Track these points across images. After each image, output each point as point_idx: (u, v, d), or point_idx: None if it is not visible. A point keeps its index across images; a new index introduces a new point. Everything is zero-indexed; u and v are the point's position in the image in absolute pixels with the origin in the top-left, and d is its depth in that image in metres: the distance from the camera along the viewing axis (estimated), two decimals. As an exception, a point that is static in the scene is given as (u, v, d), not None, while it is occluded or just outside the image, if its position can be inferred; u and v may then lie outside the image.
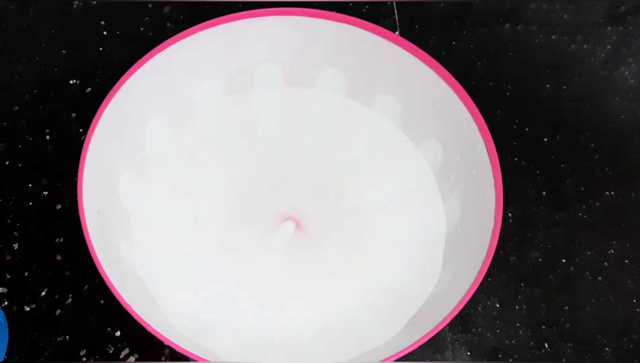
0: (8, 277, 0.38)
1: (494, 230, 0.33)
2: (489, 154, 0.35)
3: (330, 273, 0.38)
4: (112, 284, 0.31)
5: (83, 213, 0.32)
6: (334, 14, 0.38)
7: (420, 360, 0.38)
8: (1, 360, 0.35)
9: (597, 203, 0.43)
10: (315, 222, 0.40)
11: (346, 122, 0.42)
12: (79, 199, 0.32)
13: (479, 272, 0.32)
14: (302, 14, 0.38)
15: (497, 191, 0.34)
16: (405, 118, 0.40)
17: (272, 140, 0.42)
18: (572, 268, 0.41)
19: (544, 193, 0.43)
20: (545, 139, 0.45)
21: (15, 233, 0.39)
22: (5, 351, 0.36)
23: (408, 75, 0.38)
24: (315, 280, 0.38)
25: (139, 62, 0.36)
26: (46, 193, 0.41)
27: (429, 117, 0.39)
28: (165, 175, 0.39)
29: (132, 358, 0.37)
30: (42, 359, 0.36)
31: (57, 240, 0.39)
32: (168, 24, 0.47)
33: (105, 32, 0.47)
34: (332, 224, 0.40)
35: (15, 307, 0.37)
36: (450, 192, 0.38)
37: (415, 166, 0.40)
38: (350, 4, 0.49)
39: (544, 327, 0.39)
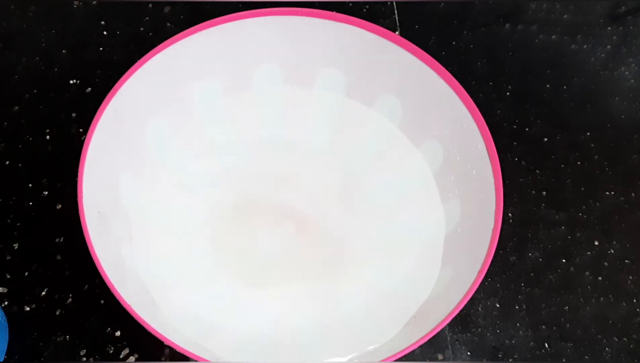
0: (8, 277, 0.38)
1: (494, 230, 0.33)
2: (489, 154, 0.35)
3: (330, 273, 0.38)
4: (112, 284, 0.31)
5: (83, 213, 0.32)
6: (334, 14, 0.38)
7: (420, 360, 0.38)
8: (1, 360, 0.35)
9: (597, 203, 0.43)
10: (315, 222, 0.40)
11: (346, 122, 0.42)
12: (79, 199, 0.32)
13: (479, 272, 0.32)
14: (302, 14, 0.38)
15: (497, 191, 0.34)
16: (405, 118, 0.40)
17: (272, 140, 0.42)
18: (572, 268, 0.41)
19: (544, 193, 0.43)
20: (545, 139, 0.45)
21: (15, 233, 0.39)
22: (5, 351, 0.36)
23: (408, 75, 0.38)
24: (315, 280, 0.38)
25: (139, 62, 0.36)
26: (46, 193, 0.41)
27: (429, 117, 0.39)
28: (165, 175, 0.39)
29: (132, 358, 0.37)
30: (42, 359, 0.36)
31: (57, 240, 0.39)
32: (168, 24, 0.47)
33: (105, 32, 0.47)
34: (332, 224, 0.40)
35: (15, 307, 0.37)
36: (450, 192, 0.38)
37: (415, 166, 0.40)
38: (350, 4, 0.49)
39: (544, 327, 0.39)
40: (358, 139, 0.42)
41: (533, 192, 0.43)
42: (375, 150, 0.41)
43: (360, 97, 0.41)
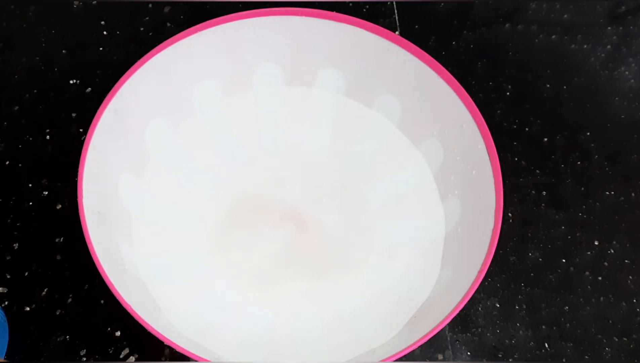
0: (8, 277, 0.38)
1: (494, 230, 0.33)
2: (489, 154, 0.35)
3: (329, 273, 0.38)
4: (112, 284, 0.31)
5: (83, 213, 0.32)
6: (334, 14, 0.38)
7: (420, 360, 0.38)
8: (1, 360, 0.35)
9: (597, 203, 0.43)
10: (315, 222, 0.40)
11: (346, 122, 0.42)
12: (79, 199, 0.32)
13: (479, 272, 0.32)
14: (302, 14, 0.38)
15: (497, 191, 0.34)
16: (405, 118, 0.40)
17: (272, 140, 0.42)
18: (572, 268, 0.41)
19: (544, 193, 0.43)
20: (545, 139, 0.45)
21: (15, 233, 0.39)
22: (5, 351, 0.36)
23: (408, 75, 0.38)
24: (315, 280, 0.38)
25: (139, 62, 0.36)
26: (46, 193, 0.41)
27: (429, 117, 0.39)
28: (165, 175, 0.39)
29: (132, 358, 0.37)
30: (42, 359, 0.36)
31: (57, 240, 0.39)
32: (168, 24, 0.47)
33: (105, 32, 0.47)
34: (332, 224, 0.40)
35: (15, 307, 0.37)
36: (450, 192, 0.38)
37: (415, 166, 0.40)
38: (350, 4, 0.49)
39: (544, 327, 0.39)
40: (358, 139, 0.42)
41: (533, 192, 0.43)
42: (375, 150, 0.41)
43: (360, 97, 0.41)
